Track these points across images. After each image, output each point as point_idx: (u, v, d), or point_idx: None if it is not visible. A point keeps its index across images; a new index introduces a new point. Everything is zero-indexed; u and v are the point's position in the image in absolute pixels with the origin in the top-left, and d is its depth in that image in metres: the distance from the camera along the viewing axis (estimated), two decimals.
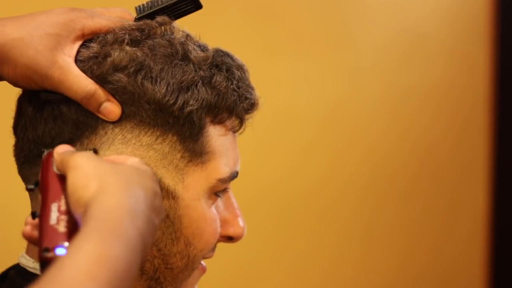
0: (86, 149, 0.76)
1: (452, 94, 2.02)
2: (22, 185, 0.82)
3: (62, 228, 0.64)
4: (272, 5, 1.70)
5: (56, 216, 0.65)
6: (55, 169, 0.69)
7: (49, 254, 0.63)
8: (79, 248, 0.57)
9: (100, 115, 0.76)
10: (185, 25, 0.83)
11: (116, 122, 0.76)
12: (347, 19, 1.83)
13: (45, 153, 0.73)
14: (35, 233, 0.68)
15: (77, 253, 0.57)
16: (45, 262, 0.63)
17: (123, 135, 0.76)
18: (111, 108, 0.75)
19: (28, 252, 0.81)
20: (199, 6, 0.83)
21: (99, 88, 0.75)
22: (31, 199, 0.76)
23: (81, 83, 0.75)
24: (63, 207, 0.65)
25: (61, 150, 0.70)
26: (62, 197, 0.66)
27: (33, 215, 0.69)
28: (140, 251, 0.61)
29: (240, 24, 1.64)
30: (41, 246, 0.64)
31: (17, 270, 0.82)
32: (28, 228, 0.70)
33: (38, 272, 0.79)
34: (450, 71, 2.01)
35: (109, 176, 0.64)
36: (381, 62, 1.87)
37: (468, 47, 2.05)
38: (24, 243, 0.82)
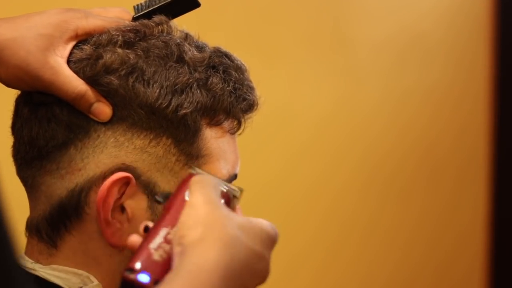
0: (81, 152, 0.75)
1: (451, 93, 2.01)
2: (20, 186, 0.82)
3: (157, 256, 0.63)
4: (270, 4, 1.68)
5: (158, 242, 0.64)
6: (186, 195, 0.67)
7: (131, 275, 0.63)
8: None
9: (91, 116, 0.75)
10: (183, 24, 0.82)
11: (108, 125, 0.75)
12: (344, 19, 1.81)
13: (190, 171, 0.72)
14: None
15: None
16: (124, 282, 0.63)
17: (115, 138, 0.76)
18: (102, 109, 0.75)
19: (26, 252, 0.81)
20: (197, 4, 0.82)
21: (89, 89, 0.75)
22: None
23: (72, 83, 0.74)
24: (170, 236, 0.64)
25: (198, 179, 0.68)
26: (176, 226, 0.65)
27: (146, 229, 0.67)
28: None
29: (238, 23, 1.62)
30: (129, 263, 0.64)
31: None
32: (135, 238, 0.68)
33: (35, 272, 0.79)
34: (449, 70, 1.99)
35: (217, 227, 0.62)
36: (379, 61, 1.85)
37: (467, 45, 2.02)
38: (23, 243, 0.82)
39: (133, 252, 0.67)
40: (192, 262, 0.60)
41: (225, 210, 0.65)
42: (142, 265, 0.63)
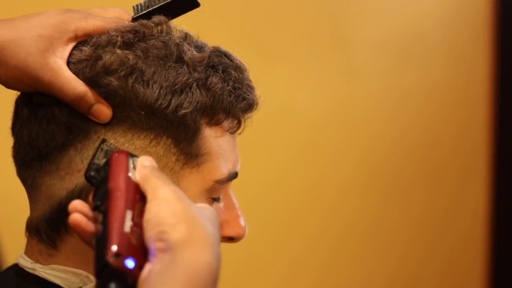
0: (81, 154, 0.75)
1: (452, 93, 2.01)
2: (20, 186, 0.82)
3: (134, 240, 0.63)
4: (270, 3, 1.68)
5: (130, 226, 0.63)
6: (131, 175, 0.67)
7: (117, 261, 0.61)
8: None
9: (91, 117, 0.75)
10: (183, 24, 0.82)
11: (108, 126, 0.75)
12: (344, 18, 1.81)
13: (113, 148, 0.71)
14: (89, 226, 0.66)
15: None
16: (108, 266, 0.62)
17: (115, 139, 0.75)
18: (102, 110, 0.75)
19: (26, 252, 0.81)
20: (196, 4, 0.82)
21: (89, 90, 0.74)
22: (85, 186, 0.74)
23: (71, 84, 0.74)
24: (136, 219, 0.64)
25: (147, 163, 0.68)
26: (136, 207, 0.65)
27: (97, 208, 0.66)
28: None
29: (239, 22, 1.62)
30: (109, 248, 0.62)
31: (16, 270, 0.82)
32: (81, 218, 0.66)
33: (35, 272, 0.79)
34: (449, 70, 1.99)
35: (198, 226, 0.63)
36: (380, 61, 1.85)
37: (467, 45, 2.02)
38: (23, 243, 0.82)
39: (78, 233, 0.66)
40: (188, 265, 0.61)
41: (193, 204, 0.66)
42: (126, 250, 0.62)
